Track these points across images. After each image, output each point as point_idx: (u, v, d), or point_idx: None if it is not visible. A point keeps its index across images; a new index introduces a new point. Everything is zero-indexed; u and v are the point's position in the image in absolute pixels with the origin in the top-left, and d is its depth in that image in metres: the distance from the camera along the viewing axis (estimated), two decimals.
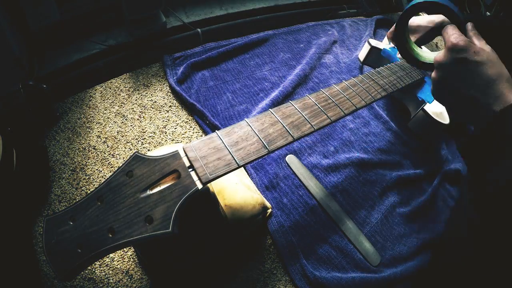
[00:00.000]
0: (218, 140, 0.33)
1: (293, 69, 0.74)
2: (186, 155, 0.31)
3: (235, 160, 0.31)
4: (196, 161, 0.30)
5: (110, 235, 0.27)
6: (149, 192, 0.28)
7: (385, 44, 0.78)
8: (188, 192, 0.28)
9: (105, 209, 0.28)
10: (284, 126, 0.37)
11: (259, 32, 0.82)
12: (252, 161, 0.33)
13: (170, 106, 0.61)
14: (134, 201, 0.28)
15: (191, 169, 0.30)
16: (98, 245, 0.27)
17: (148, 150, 0.54)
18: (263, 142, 0.34)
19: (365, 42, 0.80)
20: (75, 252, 0.26)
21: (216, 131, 0.34)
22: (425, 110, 0.65)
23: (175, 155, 0.30)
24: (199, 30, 0.79)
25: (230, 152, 0.32)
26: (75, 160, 0.50)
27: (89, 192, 0.47)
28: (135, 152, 0.30)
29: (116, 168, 0.50)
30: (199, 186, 0.29)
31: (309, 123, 0.38)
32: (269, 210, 0.49)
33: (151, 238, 0.26)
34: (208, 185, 0.36)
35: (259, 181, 0.53)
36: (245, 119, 0.36)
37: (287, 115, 0.38)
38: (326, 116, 0.40)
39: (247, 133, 0.34)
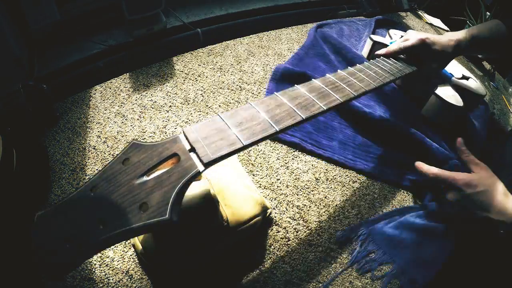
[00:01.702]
0: (221, 122, 0.31)
1: None
2: (187, 138, 0.29)
3: (240, 140, 0.29)
4: (196, 142, 0.28)
5: (101, 227, 0.24)
6: (145, 178, 0.26)
7: (387, 39, 0.78)
8: (188, 175, 0.26)
9: (97, 200, 0.25)
10: (291, 107, 0.35)
11: (259, 32, 0.83)
12: (259, 140, 0.30)
13: (170, 106, 0.61)
14: (129, 188, 0.26)
15: (191, 151, 0.28)
16: (87, 239, 0.24)
17: None
18: (270, 122, 0.32)
19: (364, 41, 0.80)
20: (63, 248, 0.24)
21: (219, 113, 0.32)
22: (437, 94, 0.65)
23: (174, 139, 0.28)
24: (199, 30, 0.79)
25: (233, 132, 0.30)
26: (75, 160, 0.50)
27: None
28: (132, 140, 0.28)
29: None
30: (200, 168, 0.27)
31: (318, 103, 0.36)
32: (269, 210, 0.49)
33: (146, 227, 0.24)
34: (208, 185, 0.36)
35: None
36: (249, 102, 0.34)
37: (293, 97, 0.36)
38: (335, 97, 0.38)
39: (252, 114, 0.33)
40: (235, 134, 0.30)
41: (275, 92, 0.36)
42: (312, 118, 0.35)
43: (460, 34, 0.63)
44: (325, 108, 0.36)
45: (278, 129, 0.32)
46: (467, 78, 0.75)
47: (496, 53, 0.80)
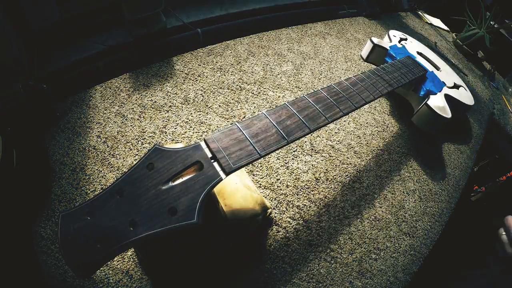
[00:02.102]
0: (239, 132, 0.33)
1: None
2: (208, 146, 0.31)
3: (257, 151, 0.32)
4: (218, 152, 0.31)
5: (132, 228, 0.26)
6: (171, 184, 0.28)
7: (386, 42, 0.78)
8: (212, 182, 0.28)
9: (125, 203, 0.27)
10: (300, 119, 0.38)
11: (259, 32, 0.83)
12: (273, 151, 0.33)
13: (170, 106, 0.61)
14: (156, 193, 0.28)
15: (213, 160, 0.30)
16: (119, 239, 0.26)
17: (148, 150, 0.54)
18: (281, 133, 0.35)
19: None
20: (94, 247, 0.25)
21: (236, 123, 0.35)
22: (428, 105, 0.66)
23: (196, 147, 0.31)
24: (199, 30, 0.79)
25: (251, 143, 0.33)
26: (75, 160, 0.50)
27: (89, 193, 0.47)
28: (154, 145, 0.30)
29: (116, 168, 0.50)
30: (223, 176, 0.29)
31: (324, 115, 0.40)
32: (269, 210, 0.49)
33: (176, 230, 0.26)
34: None
35: None
36: (263, 111, 0.37)
37: (302, 108, 0.40)
38: (338, 109, 0.42)
39: (266, 125, 0.36)
40: (253, 145, 0.33)
41: (285, 102, 0.39)
42: (318, 129, 0.38)
43: None
44: (329, 121, 0.40)
45: (289, 141, 0.35)
46: (458, 87, 0.77)
47: None
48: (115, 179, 0.28)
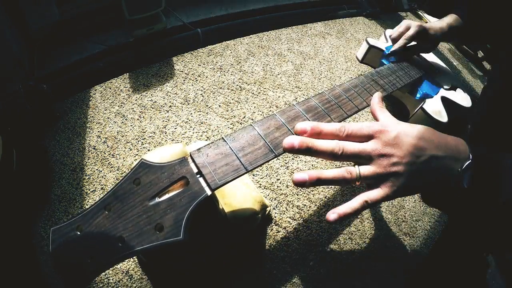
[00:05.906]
0: (226, 146, 0.33)
1: None
2: (194, 161, 0.31)
3: (243, 165, 0.32)
4: (204, 167, 0.30)
5: (120, 244, 0.27)
6: (157, 199, 0.28)
7: (383, 42, 0.78)
8: (198, 199, 0.28)
9: (113, 218, 0.27)
10: (289, 130, 0.37)
11: (259, 32, 0.82)
12: (260, 165, 0.33)
13: (170, 106, 0.61)
14: (143, 209, 0.28)
15: (199, 176, 0.30)
16: (108, 255, 0.26)
17: (148, 150, 0.54)
18: (269, 147, 0.34)
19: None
20: (85, 263, 0.26)
21: (223, 136, 0.34)
22: (424, 109, 0.65)
23: (182, 162, 0.30)
24: (199, 30, 0.79)
25: (238, 158, 0.32)
26: (75, 160, 0.50)
27: (89, 193, 0.47)
28: (141, 159, 0.30)
29: (116, 168, 0.50)
30: (208, 192, 0.29)
31: None
32: (269, 208, 0.49)
33: (162, 246, 0.26)
34: None
35: None
36: (251, 123, 0.36)
37: (292, 118, 0.38)
38: (329, 118, 0.41)
39: (254, 137, 0.35)
40: (239, 160, 0.32)
41: (275, 112, 0.38)
42: None
43: (440, 22, 0.73)
44: None
45: (277, 154, 0.34)
46: (455, 88, 0.76)
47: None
48: (104, 194, 0.28)
